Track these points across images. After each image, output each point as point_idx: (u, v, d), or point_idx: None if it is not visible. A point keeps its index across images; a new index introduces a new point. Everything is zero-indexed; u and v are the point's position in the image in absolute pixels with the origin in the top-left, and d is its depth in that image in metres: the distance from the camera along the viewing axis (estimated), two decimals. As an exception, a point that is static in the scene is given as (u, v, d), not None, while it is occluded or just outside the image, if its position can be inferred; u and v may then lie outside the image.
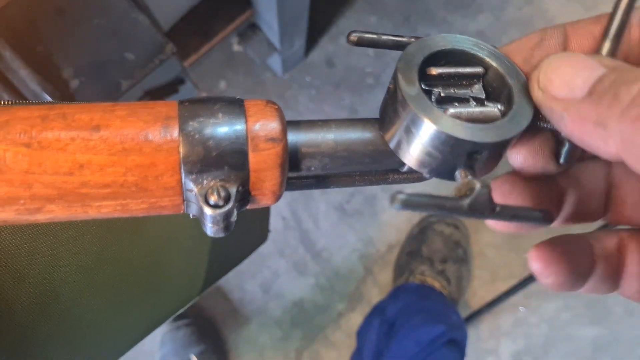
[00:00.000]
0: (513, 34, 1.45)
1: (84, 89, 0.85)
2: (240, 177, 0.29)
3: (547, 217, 0.30)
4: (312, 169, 0.32)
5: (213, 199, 0.29)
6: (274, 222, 1.42)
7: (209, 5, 1.13)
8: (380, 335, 1.20)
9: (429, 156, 0.30)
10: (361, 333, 1.27)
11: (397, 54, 0.31)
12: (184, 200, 0.30)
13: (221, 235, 0.31)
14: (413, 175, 0.35)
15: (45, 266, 0.45)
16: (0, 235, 0.40)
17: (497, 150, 0.29)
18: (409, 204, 0.26)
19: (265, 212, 0.81)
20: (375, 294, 1.41)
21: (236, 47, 1.38)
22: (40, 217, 0.30)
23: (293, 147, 0.31)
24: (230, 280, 1.41)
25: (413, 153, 0.30)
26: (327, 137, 0.32)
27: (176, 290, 0.67)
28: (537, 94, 0.29)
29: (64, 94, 0.83)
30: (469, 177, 0.29)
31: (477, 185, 0.27)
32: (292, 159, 0.31)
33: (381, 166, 0.33)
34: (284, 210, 1.43)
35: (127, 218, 0.56)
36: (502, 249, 1.41)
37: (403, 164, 0.33)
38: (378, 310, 1.28)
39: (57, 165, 0.28)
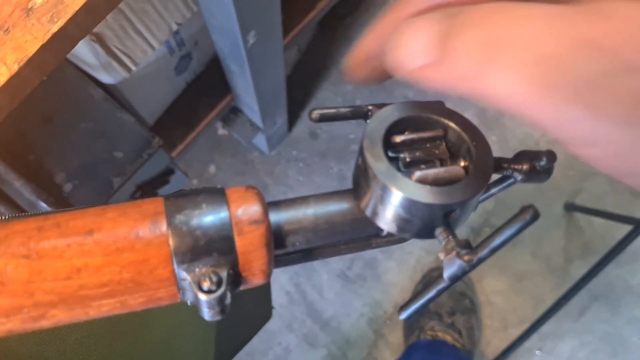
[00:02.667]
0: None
1: (77, 191, 0.88)
2: (229, 260, 0.31)
3: (533, 215, 0.30)
4: (297, 244, 0.34)
5: (206, 285, 0.30)
6: (279, 298, 1.42)
7: (190, 95, 1.18)
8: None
9: (405, 222, 0.31)
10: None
11: None
12: (179, 289, 0.32)
13: (218, 318, 0.32)
14: (394, 238, 0.37)
15: (54, 371, 0.45)
16: (6, 345, 0.41)
17: (469, 205, 0.31)
18: (413, 313, 0.28)
19: (266, 289, 0.82)
20: (388, 356, 1.39)
21: (221, 132, 1.42)
22: (45, 323, 0.31)
23: (276, 226, 0.33)
24: (242, 362, 1.40)
25: (389, 220, 0.32)
26: (307, 212, 0.34)
27: (186, 378, 0.68)
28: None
29: (58, 199, 0.86)
30: (449, 236, 0.30)
31: (456, 253, 0.29)
32: (277, 238, 0.33)
33: (363, 233, 0.35)
34: (287, 285, 1.44)
35: (131, 312, 0.57)
36: (508, 294, 1.41)
37: (382, 229, 0.34)
38: (393, 372, 1.27)
39: (56, 272, 0.30)
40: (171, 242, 0.30)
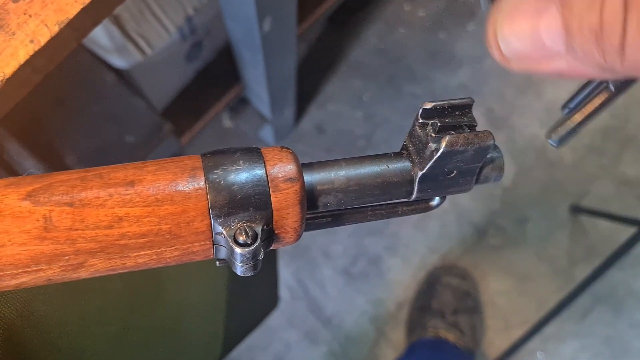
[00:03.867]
0: (494, 84, 1.51)
1: (88, 174, 0.88)
2: (264, 216, 0.32)
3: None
4: (328, 204, 0.34)
5: (242, 239, 0.31)
6: (281, 293, 1.42)
7: (199, 84, 1.18)
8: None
9: None
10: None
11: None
12: (213, 245, 0.32)
13: (250, 274, 0.32)
14: (420, 206, 0.37)
15: (76, 336, 0.46)
16: (33, 305, 0.41)
17: None
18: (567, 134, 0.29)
19: (274, 277, 0.83)
20: (390, 354, 1.39)
21: (227, 123, 1.42)
22: (83, 273, 0.31)
23: (309, 186, 0.34)
24: (243, 356, 1.39)
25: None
26: (339, 174, 0.34)
27: (196, 357, 0.68)
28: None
29: (70, 180, 0.86)
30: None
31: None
32: (310, 197, 0.34)
33: (391, 196, 0.35)
34: (289, 280, 1.44)
35: (149, 285, 0.57)
36: (511, 295, 1.41)
37: (411, 194, 0.35)
38: (395, 369, 1.27)
39: (98, 220, 0.30)
40: (209, 195, 0.31)
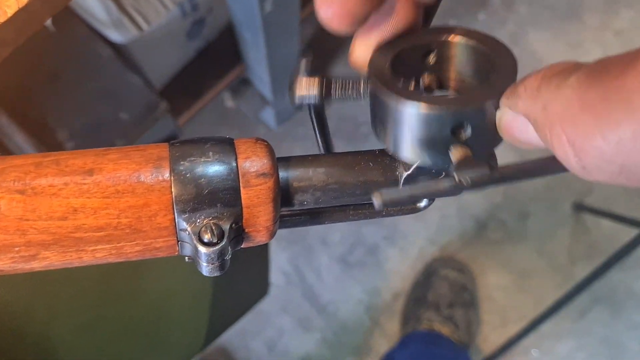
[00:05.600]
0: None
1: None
2: (233, 213, 0.29)
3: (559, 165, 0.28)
4: (305, 203, 0.32)
5: (207, 237, 0.29)
6: (276, 278, 1.41)
7: (200, 63, 1.16)
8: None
9: (419, 141, 0.28)
10: (371, 385, 1.24)
11: None
12: (178, 241, 0.30)
13: (216, 274, 0.30)
14: (407, 207, 0.35)
15: (43, 324, 0.44)
16: (-3, 291, 0.39)
17: (480, 120, 0.28)
18: (391, 199, 0.26)
19: (264, 264, 0.81)
20: (383, 345, 1.38)
21: (229, 104, 1.40)
22: (36, 265, 0.30)
23: (285, 182, 0.31)
24: (234, 340, 1.39)
25: (406, 145, 0.29)
26: (318, 170, 0.32)
27: (178, 346, 0.66)
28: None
29: (60, 157, 0.84)
30: (460, 150, 0.28)
31: (463, 157, 0.27)
32: (285, 194, 0.31)
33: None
34: (285, 266, 1.42)
35: (128, 274, 0.55)
36: (509, 290, 1.39)
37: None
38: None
39: (51, 211, 0.28)
40: (173, 188, 0.29)
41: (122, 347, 0.56)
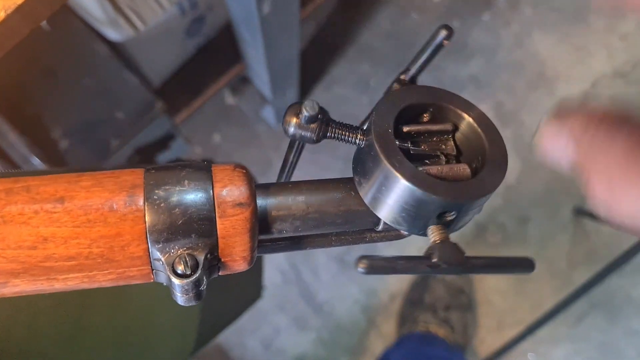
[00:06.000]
0: (505, 77, 1.46)
1: (73, 149, 0.85)
2: (208, 244, 0.29)
3: (527, 265, 0.29)
4: (284, 232, 0.31)
5: (180, 268, 0.28)
6: (273, 276, 1.40)
7: (199, 61, 1.15)
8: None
9: (403, 212, 0.29)
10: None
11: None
12: (152, 269, 0.29)
13: (192, 304, 0.30)
14: (391, 234, 0.34)
15: (24, 339, 0.43)
16: (-27, 308, 0.39)
17: (466, 210, 0.29)
18: (374, 267, 0.26)
19: (257, 268, 0.80)
20: (379, 346, 1.38)
21: (229, 101, 1.39)
22: (6, 292, 0.29)
23: (263, 211, 0.31)
24: (230, 338, 1.38)
25: (387, 209, 0.30)
26: (298, 199, 0.31)
27: (166, 352, 0.66)
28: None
29: (53, 156, 0.83)
30: (439, 232, 0.28)
31: (442, 240, 0.27)
32: (263, 223, 0.31)
33: (355, 226, 0.32)
34: (282, 264, 1.42)
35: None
36: (507, 294, 1.38)
37: (378, 223, 0.32)
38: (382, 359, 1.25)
39: (20, 239, 0.27)
40: (147, 218, 0.28)
41: (107, 357, 0.55)
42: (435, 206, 0.28)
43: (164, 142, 0.99)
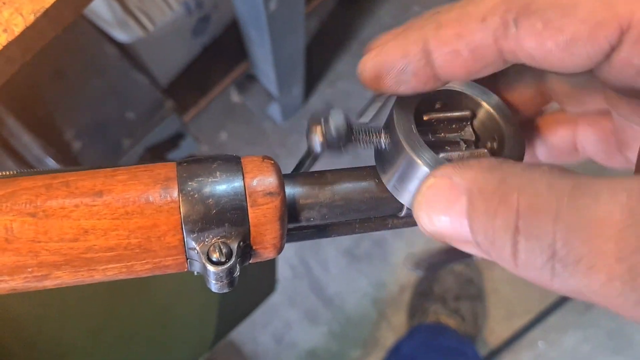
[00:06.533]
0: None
1: (86, 150, 0.87)
2: (241, 232, 0.30)
3: None
4: (312, 219, 0.32)
5: (215, 256, 0.29)
6: (283, 271, 1.42)
7: (205, 59, 1.16)
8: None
9: None
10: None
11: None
12: (187, 259, 0.30)
13: (225, 290, 0.31)
14: (412, 219, 0.35)
15: (55, 331, 0.44)
16: (8, 303, 0.40)
17: None
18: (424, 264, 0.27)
19: (271, 262, 0.81)
20: (390, 338, 1.39)
21: (235, 99, 1.40)
22: (48, 284, 0.30)
23: (291, 200, 0.32)
24: (242, 332, 1.40)
25: (409, 196, 0.31)
26: (324, 187, 0.32)
27: (187, 345, 0.67)
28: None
29: (66, 157, 0.84)
30: None
31: None
32: (291, 211, 0.32)
33: (379, 212, 0.33)
34: (292, 259, 1.43)
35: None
36: (516, 284, 1.39)
37: (401, 209, 0.33)
38: (393, 351, 1.26)
39: (62, 233, 0.28)
40: (182, 209, 0.29)
41: (131, 349, 0.56)
42: None
43: (174, 140, 1.00)
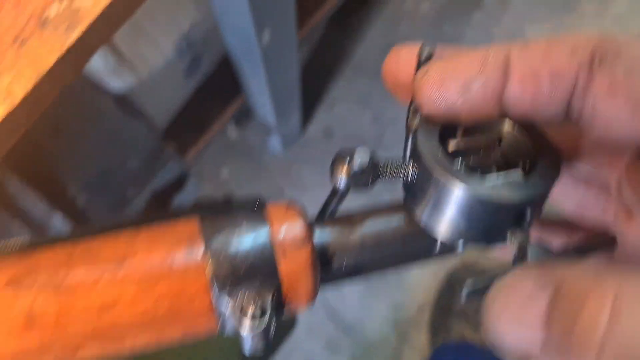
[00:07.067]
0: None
1: (92, 203, 0.85)
2: (273, 285, 0.28)
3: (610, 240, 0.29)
4: (344, 264, 0.31)
5: (250, 311, 0.27)
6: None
7: (201, 98, 1.15)
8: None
9: (469, 224, 0.28)
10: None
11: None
12: (219, 319, 0.29)
13: (260, 348, 0.29)
14: (446, 252, 0.34)
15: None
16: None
17: (538, 205, 0.29)
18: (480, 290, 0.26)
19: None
20: (414, 359, 1.36)
21: (233, 134, 1.39)
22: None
23: (320, 246, 0.30)
24: (265, 369, 1.37)
25: (448, 222, 0.29)
26: (353, 231, 0.31)
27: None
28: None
29: (73, 212, 0.83)
30: (520, 235, 0.28)
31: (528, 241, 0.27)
32: (322, 258, 0.30)
33: (414, 250, 0.32)
34: (307, 288, 1.41)
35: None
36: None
37: (435, 245, 0.31)
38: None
39: (87, 305, 0.27)
40: (209, 268, 0.28)
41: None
42: (511, 210, 0.27)
43: (178, 183, 0.99)
